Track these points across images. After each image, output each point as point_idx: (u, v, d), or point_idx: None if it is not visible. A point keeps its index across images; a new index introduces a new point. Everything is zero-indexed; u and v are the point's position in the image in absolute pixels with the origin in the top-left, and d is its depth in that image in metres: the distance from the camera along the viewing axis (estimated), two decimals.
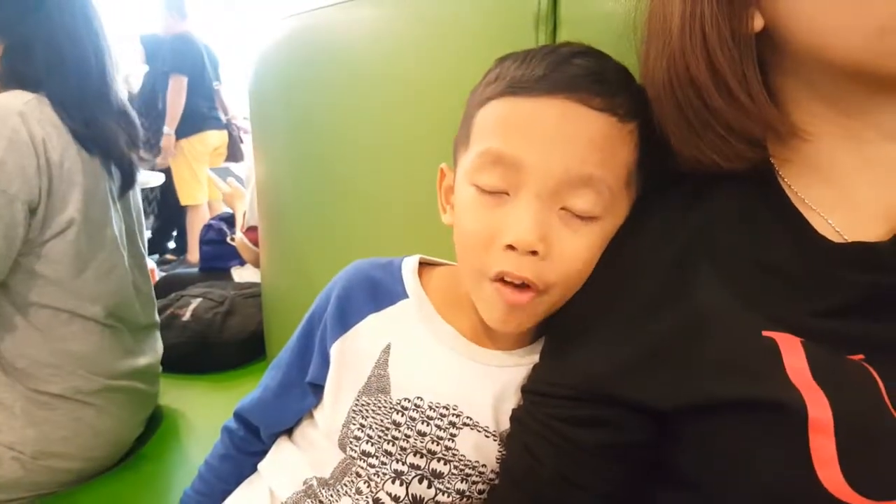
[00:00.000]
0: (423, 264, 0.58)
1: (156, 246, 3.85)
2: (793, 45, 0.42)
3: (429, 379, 0.52)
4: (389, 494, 0.51)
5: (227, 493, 0.62)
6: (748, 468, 0.37)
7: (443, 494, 0.51)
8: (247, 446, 0.63)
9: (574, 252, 0.46)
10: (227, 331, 1.33)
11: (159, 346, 1.11)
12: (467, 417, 0.51)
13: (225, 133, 3.68)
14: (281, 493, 0.57)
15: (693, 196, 0.48)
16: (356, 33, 0.83)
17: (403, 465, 0.51)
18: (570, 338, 0.48)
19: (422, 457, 0.51)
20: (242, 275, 1.65)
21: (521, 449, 0.48)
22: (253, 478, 0.62)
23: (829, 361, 0.38)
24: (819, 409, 0.35)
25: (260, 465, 0.61)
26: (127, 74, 3.32)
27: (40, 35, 0.88)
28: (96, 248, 0.92)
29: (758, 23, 0.42)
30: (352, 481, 0.53)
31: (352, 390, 0.53)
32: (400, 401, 0.51)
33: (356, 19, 0.83)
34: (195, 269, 1.87)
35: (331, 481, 0.54)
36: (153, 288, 1.10)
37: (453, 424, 0.51)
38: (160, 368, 1.10)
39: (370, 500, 0.51)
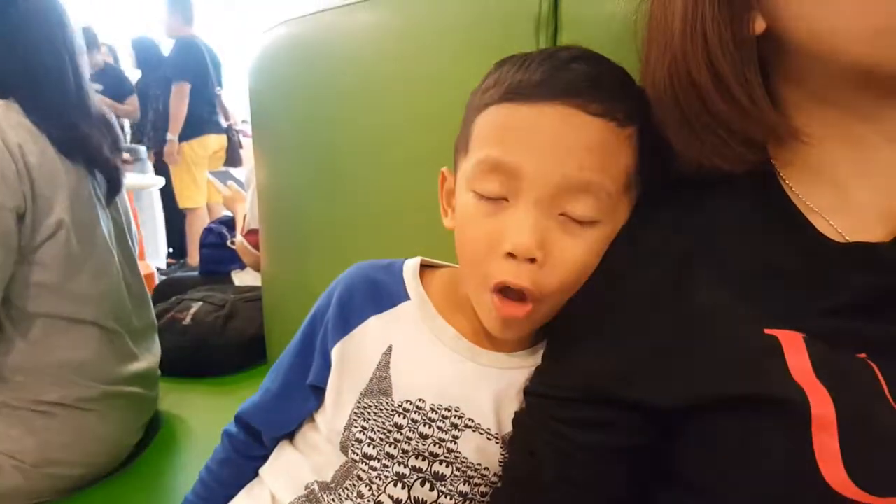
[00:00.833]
0: (424, 266, 0.58)
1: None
2: (794, 48, 0.42)
3: (430, 381, 0.52)
4: (391, 497, 0.51)
5: (228, 498, 0.62)
6: (751, 466, 0.37)
7: (445, 497, 0.51)
8: (248, 450, 0.63)
9: (573, 257, 0.46)
10: (227, 334, 1.33)
11: (157, 349, 1.10)
12: (469, 419, 0.51)
13: (224, 137, 3.70)
14: (283, 498, 0.57)
15: (694, 198, 0.48)
16: (357, 37, 0.83)
17: (405, 467, 0.51)
18: (571, 340, 0.48)
19: (424, 459, 0.51)
20: (243, 278, 1.65)
21: (523, 451, 0.48)
22: (254, 483, 0.62)
23: (832, 358, 0.38)
24: (822, 406, 0.36)
25: (261, 471, 0.61)
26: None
27: (18, 41, 0.87)
28: (88, 249, 0.91)
29: (759, 25, 0.42)
30: (353, 485, 0.52)
31: (353, 392, 0.53)
32: (401, 403, 0.51)
33: (357, 23, 0.83)
34: (195, 273, 1.86)
35: (332, 485, 0.54)
36: (146, 289, 1.09)
37: (455, 426, 0.51)
38: (159, 372, 1.09)
39: None
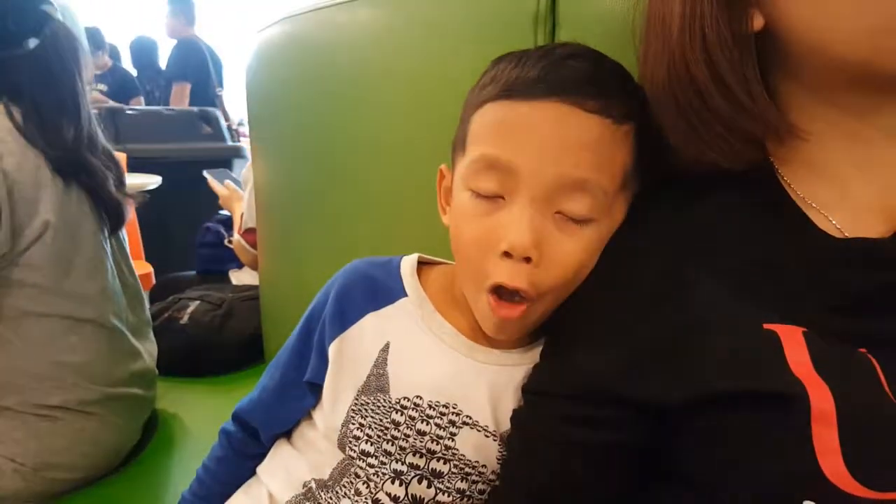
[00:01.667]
0: (421, 263, 0.58)
1: None
2: (792, 45, 0.42)
3: (428, 378, 0.52)
4: (389, 495, 0.51)
5: (226, 496, 0.62)
6: (751, 461, 0.37)
7: (443, 494, 0.51)
8: (245, 448, 0.63)
9: (569, 255, 0.46)
10: (225, 333, 1.33)
11: (154, 348, 1.10)
12: (467, 416, 0.51)
13: None
14: (280, 496, 0.56)
15: (692, 195, 0.48)
16: (354, 34, 0.83)
17: (403, 464, 0.51)
18: (569, 338, 0.48)
19: (421, 456, 0.51)
20: (240, 277, 1.64)
21: (522, 449, 0.48)
22: (251, 482, 0.62)
23: (831, 352, 0.38)
24: (821, 400, 0.35)
25: (258, 469, 0.61)
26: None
27: (41, 62, 0.87)
28: (77, 247, 0.91)
29: (758, 23, 0.42)
30: (351, 482, 0.52)
31: (351, 389, 0.53)
32: (399, 400, 0.51)
33: (354, 20, 0.83)
34: (192, 272, 1.86)
35: (330, 483, 0.53)
36: (141, 286, 1.09)
37: (453, 423, 0.51)
38: (156, 371, 1.09)
39: (370, 501, 0.51)
